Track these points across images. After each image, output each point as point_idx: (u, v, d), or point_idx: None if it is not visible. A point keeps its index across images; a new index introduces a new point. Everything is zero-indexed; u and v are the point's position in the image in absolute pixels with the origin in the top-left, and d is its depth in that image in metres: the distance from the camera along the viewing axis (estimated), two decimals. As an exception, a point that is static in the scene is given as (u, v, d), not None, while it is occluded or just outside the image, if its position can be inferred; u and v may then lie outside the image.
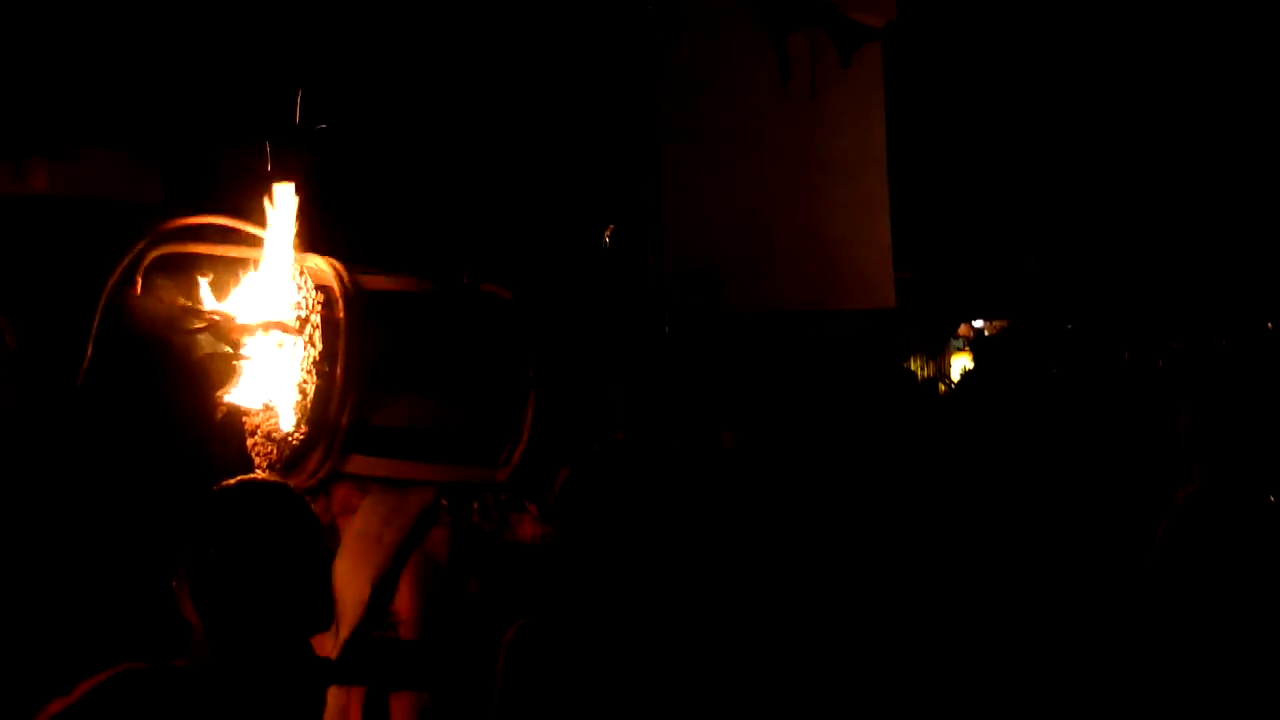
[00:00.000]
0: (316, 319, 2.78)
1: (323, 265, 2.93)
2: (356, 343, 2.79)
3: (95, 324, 2.74)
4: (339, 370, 2.76)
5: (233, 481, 2.19)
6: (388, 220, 6.51)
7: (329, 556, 2.33)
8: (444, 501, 2.93)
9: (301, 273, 2.88)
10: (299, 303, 2.84)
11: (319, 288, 2.84)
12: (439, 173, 7.58)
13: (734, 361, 9.10)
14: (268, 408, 2.85)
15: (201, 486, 2.82)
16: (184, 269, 2.87)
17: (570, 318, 3.36)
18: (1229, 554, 2.95)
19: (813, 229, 10.51)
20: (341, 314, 2.79)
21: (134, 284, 2.76)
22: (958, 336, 14.10)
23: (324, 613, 2.31)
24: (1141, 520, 3.25)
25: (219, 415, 2.83)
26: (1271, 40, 13.60)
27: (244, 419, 2.90)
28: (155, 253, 2.83)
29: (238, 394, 2.80)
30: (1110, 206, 14.99)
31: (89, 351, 2.75)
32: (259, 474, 2.42)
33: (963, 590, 6.52)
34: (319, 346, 2.77)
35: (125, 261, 2.73)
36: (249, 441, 2.93)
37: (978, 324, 14.29)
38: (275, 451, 2.84)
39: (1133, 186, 14.85)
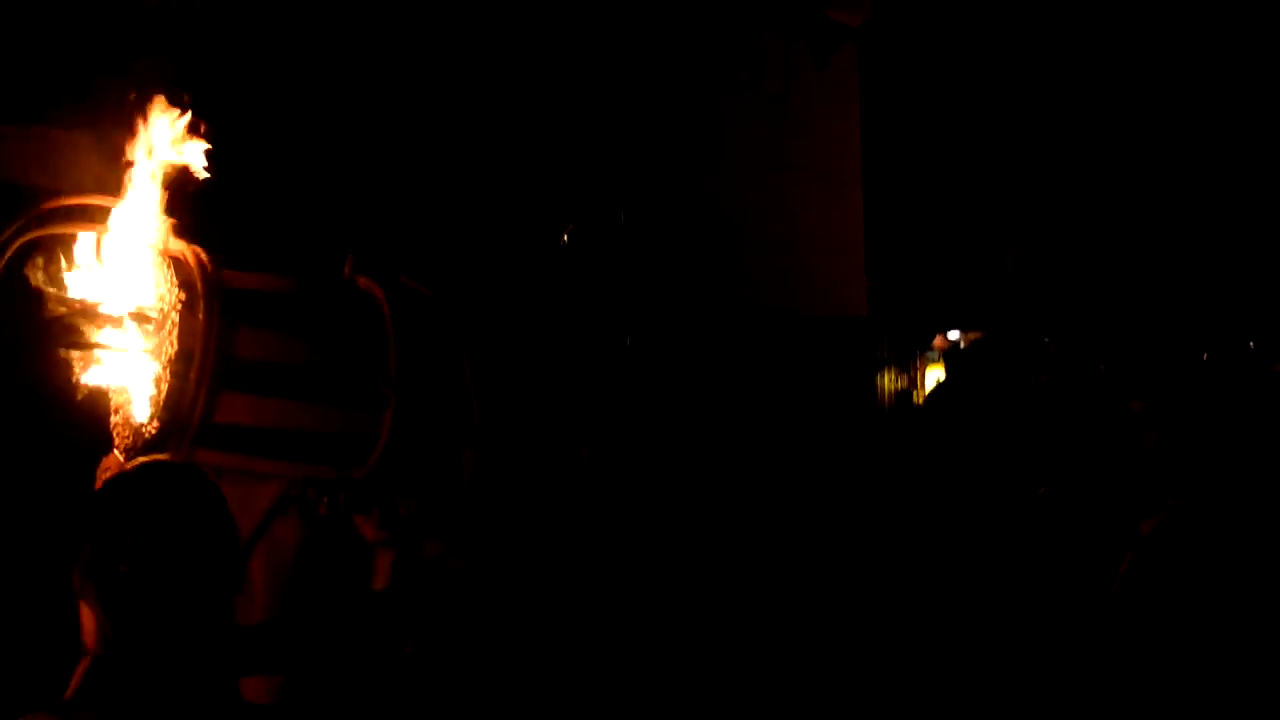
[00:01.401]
0: (176, 317, 2.73)
1: (190, 260, 2.85)
2: (214, 346, 2.74)
3: None
4: (193, 372, 2.72)
5: (131, 466, 2.20)
6: (282, 210, 6.28)
7: (237, 536, 2.16)
8: (292, 494, 2.91)
9: (168, 265, 2.82)
10: (161, 296, 2.80)
11: (182, 284, 2.78)
12: (366, 165, 7.34)
13: (693, 364, 8.85)
14: (126, 393, 2.82)
15: (69, 468, 3.06)
16: (53, 250, 2.80)
17: (462, 320, 3.18)
18: (1194, 589, 2.63)
19: (783, 232, 10.24)
20: (201, 316, 2.74)
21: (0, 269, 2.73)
22: (932, 348, 13.91)
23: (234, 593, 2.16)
24: (1108, 548, 2.97)
25: (80, 397, 2.80)
26: (1257, 50, 13.41)
27: (106, 400, 2.87)
28: (27, 236, 2.77)
29: (99, 376, 2.78)
30: (1090, 216, 14.81)
31: None
32: (154, 456, 2.40)
33: (920, 604, 6.38)
34: (175, 346, 2.72)
35: None
36: (111, 421, 2.89)
37: (953, 335, 14.11)
38: (131, 437, 2.80)
39: (1113, 197, 14.67)
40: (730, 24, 10.05)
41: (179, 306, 2.73)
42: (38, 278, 2.76)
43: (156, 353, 2.75)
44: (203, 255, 2.85)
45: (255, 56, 7.06)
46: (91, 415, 2.88)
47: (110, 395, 2.85)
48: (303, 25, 7.25)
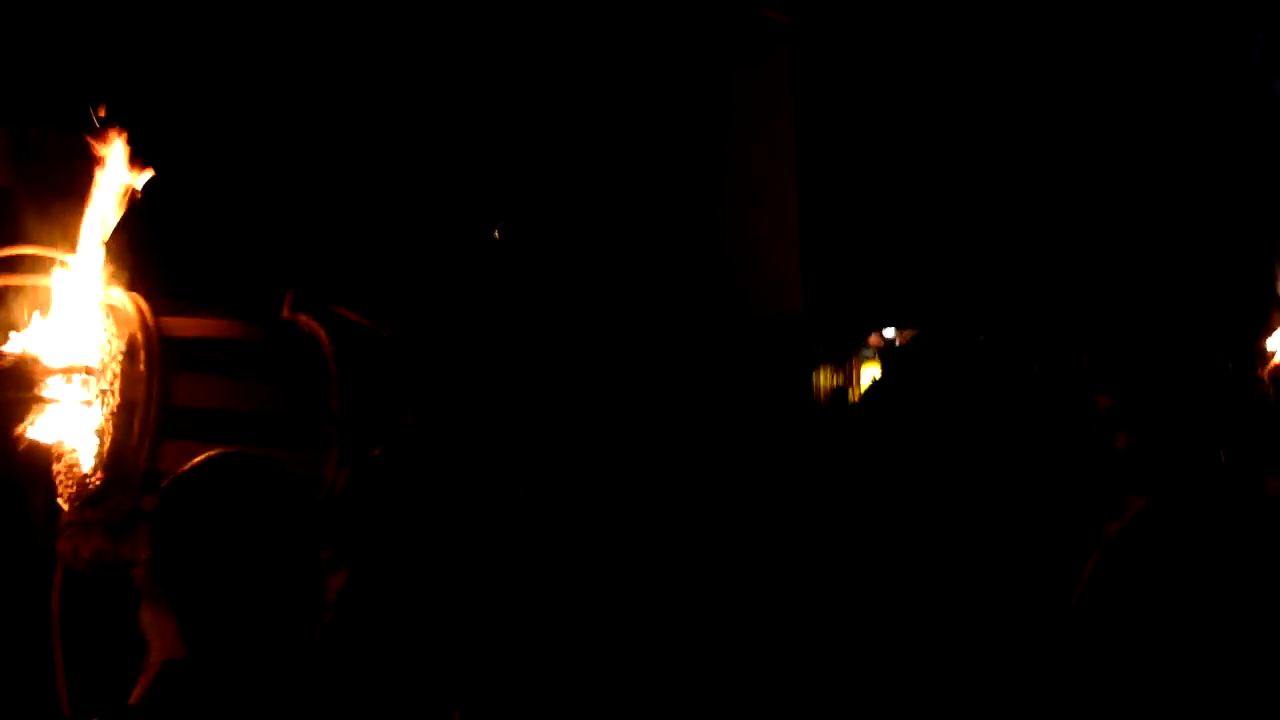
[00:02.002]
0: (117, 368, 2.73)
1: (129, 309, 2.84)
2: (155, 396, 2.73)
3: None
4: (136, 423, 2.70)
5: (200, 459, 2.03)
6: (212, 237, 6.19)
7: (315, 537, 2.10)
8: None
9: (107, 315, 2.82)
10: (102, 347, 2.79)
11: (122, 335, 2.79)
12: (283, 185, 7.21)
13: (625, 364, 8.78)
14: (67, 445, 2.83)
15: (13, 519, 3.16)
16: None
17: (401, 349, 3.22)
18: (1164, 596, 2.56)
19: (717, 230, 10.18)
20: (142, 366, 2.72)
21: None
22: (867, 345, 13.92)
23: (318, 599, 2.09)
24: (1064, 552, 2.89)
25: (20, 447, 2.79)
26: (1203, 43, 13.54)
27: (49, 450, 2.86)
28: None
29: (39, 429, 2.78)
30: (1027, 211, 14.88)
31: None
32: (218, 450, 2.18)
33: (859, 602, 6.37)
34: (117, 399, 2.71)
35: None
36: (54, 468, 2.88)
37: (888, 333, 14.13)
38: (75, 487, 2.80)
39: (1052, 189, 14.75)
40: (663, 20, 9.96)
41: (119, 357, 2.72)
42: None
43: (100, 404, 2.74)
44: (142, 304, 2.83)
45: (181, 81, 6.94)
46: (32, 465, 2.87)
47: (52, 445, 2.83)
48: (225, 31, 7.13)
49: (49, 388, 2.74)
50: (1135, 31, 13.67)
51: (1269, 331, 10.31)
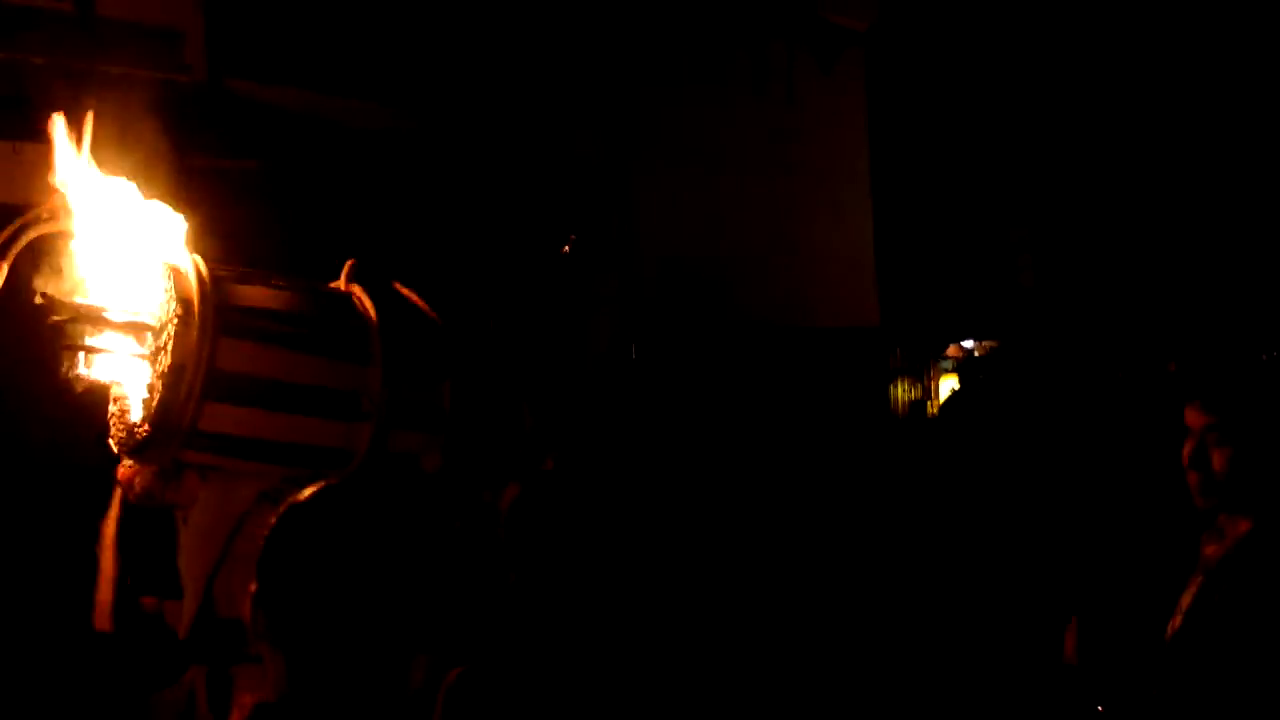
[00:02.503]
0: (172, 329, 2.80)
1: (189, 272, 2.88)
2: (205, 362, 2.79)
3: None
4: (184, 385, 2.77)
5: (306, 494, 1.97)
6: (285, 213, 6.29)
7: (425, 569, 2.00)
8: (269, 490, 2.95)
9: (168, 275, 2.87)
10: (162, 306, 2.86)
11: (180, 300, 2.83)
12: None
13: (701, 379, 8.66)
14: (121, 392, 2.93)
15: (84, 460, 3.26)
16: (58, 252, 2.90)
17: (453, 335, 3.20)
18: (1275, 626, 2.34)
19: (792, 242, 10.03)
20: (195, 333, 2.78)
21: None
22: (946, 357, 13.69)
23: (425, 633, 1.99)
24: (1156, 576, 2.69)
25: (79, 390, 2.89)
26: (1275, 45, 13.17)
27: (106, 393, 2.96)
28: (25, 239, 2.84)
29: (98, 373, 2.87)
30: (1108, 220, 14.57)
31: None
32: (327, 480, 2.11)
33: (937, 615, 6.26)
34: (169, 359, 2.78)
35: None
36: (109, 412, 2.99)
37: (967, 344, 13.89)
38: (125, 434, 2.90)
39: (1133, 200, 14.43)
40: (733, 30, 9.85)
41: (175, 321, 2.80)
42: (41, 279, 2.83)
43: (152, 360, 2.83)
44: (202, 268, 2.89)
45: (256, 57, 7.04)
46: (91, 407, 2.98)
47: (110, 389, 2.94)
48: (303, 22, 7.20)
49: (108, 340, 2.83)
50: (1228, 44, 13.35)
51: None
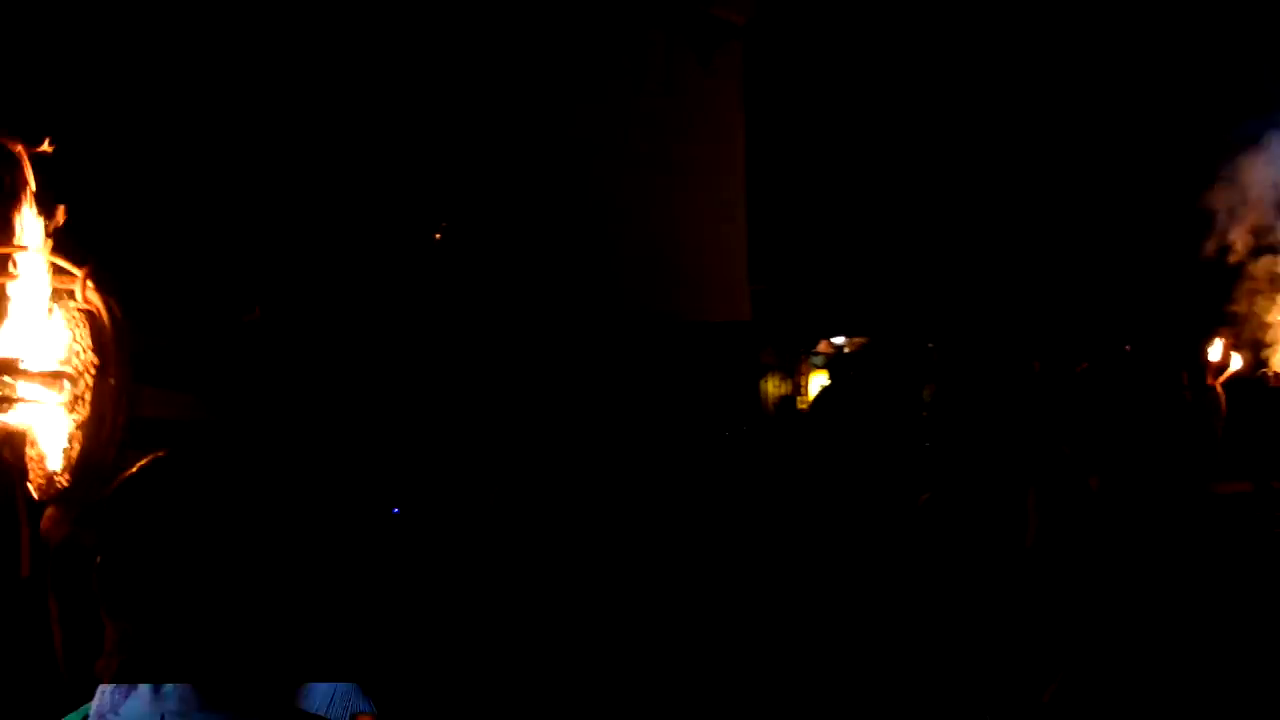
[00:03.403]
0: (89, 380, 2.71)
1: (104, 318, 2.75)
2: (124, 410, 2.72)
3: None
4: (104, 434, 2.68)
5: (145, 461, 1.96)
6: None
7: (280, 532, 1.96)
8: None
9: (79, 324, 2.75)
10: (77, 354, 2.74)
11: (96, 349, 2.73)
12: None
13: (572, 371, 8.59)
14: (34, 442, 2.79)
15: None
16: None
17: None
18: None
19: (666, 236, 9.96)
20: (113, 382, 2.70)
21: None
22: (816, 353, 13.82)
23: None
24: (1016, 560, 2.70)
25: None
26: (1138, 58, 13.52)
27: (20, 442, 2.81)
28: None
29: (13, 419, 2.73)
30: (978, 219, 14.82)
31: None
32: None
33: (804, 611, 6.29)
34: (88, 410, 2.70)
35: None
36: (28, 455, 2.82)
37: (837, 340, 14.04)
38: (45, 481, 2.77)
39: (1004, 199, 14.70)
40: (610, 21, 9.76)
41: (93, 370, 2.72)
42: None
43: (69, 409, 2.74)
44: (116, 311, 2.76)
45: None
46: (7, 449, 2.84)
47: (28, 433, 2.81)
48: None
49: (23, 389, 2.71)
50: (1091, 43, 13.65)
51: (1211, 342, 10.28)
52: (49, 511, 2.89)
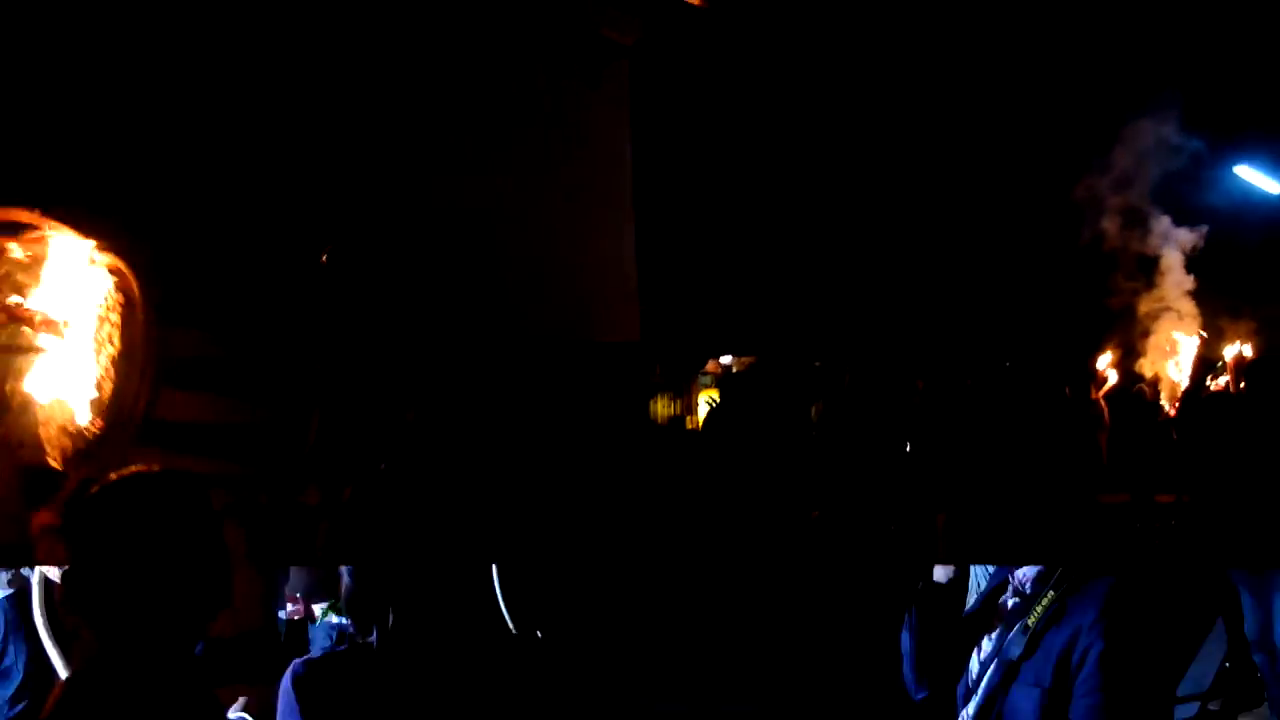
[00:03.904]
0: (115, 317, 2.87)
1: (124, 267, 2.99)
2: (154, 343, 2.93)
3: None
4: (135, 368, 2.88)
5: (114, 476, 2.10)
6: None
7: (222, 544, 2.16)
8: (232, 503, 3.10)
9: (100, 268, 2.94)
10: (97, 302, 2.89)
11: (120, 289, 2.93)
12: None
13: (455, 393, 8.49)
14: (59, 401, 2.89)
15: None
16: None
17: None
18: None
19: (552, 255, 9.92)
20: (140, 315, 2.91)
21: None
22: (705, 372, 13.86)
23: (220, 600, 2.15)
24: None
25: (15, 407, 2.86)
26: (1015, 83, 13.82)
27: (39, 411, 2.91)
28: None
29: (33, 383, 2.83)
30: (865, 240, 15.02)
31: None
32: (141, 466, 2.22)
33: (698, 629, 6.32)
34: (117, 345, 2.86)
35: None
36: (42, 433, 2.92)
37: (725, 360, 14.09)
38: (70, 444, 2.89)
39: (888, 219, 14.92)
40: (496, 38, 9.70)
41: (118, 308, 2.87)
42: None
43: (95, 354, 2.84)
44: (132, 259, 2.97)
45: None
46: (23, 425, 2.91)
47: (36, 407, 2.87)
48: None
49: (45, 341, 2.81)
50: (971, 64, 13.92)
51: (1094, 357, 10.54)
52: (44, 534, 2.95)
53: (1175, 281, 11.75)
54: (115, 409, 2.82)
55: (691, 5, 10.52)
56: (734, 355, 14.10)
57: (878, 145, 14.48)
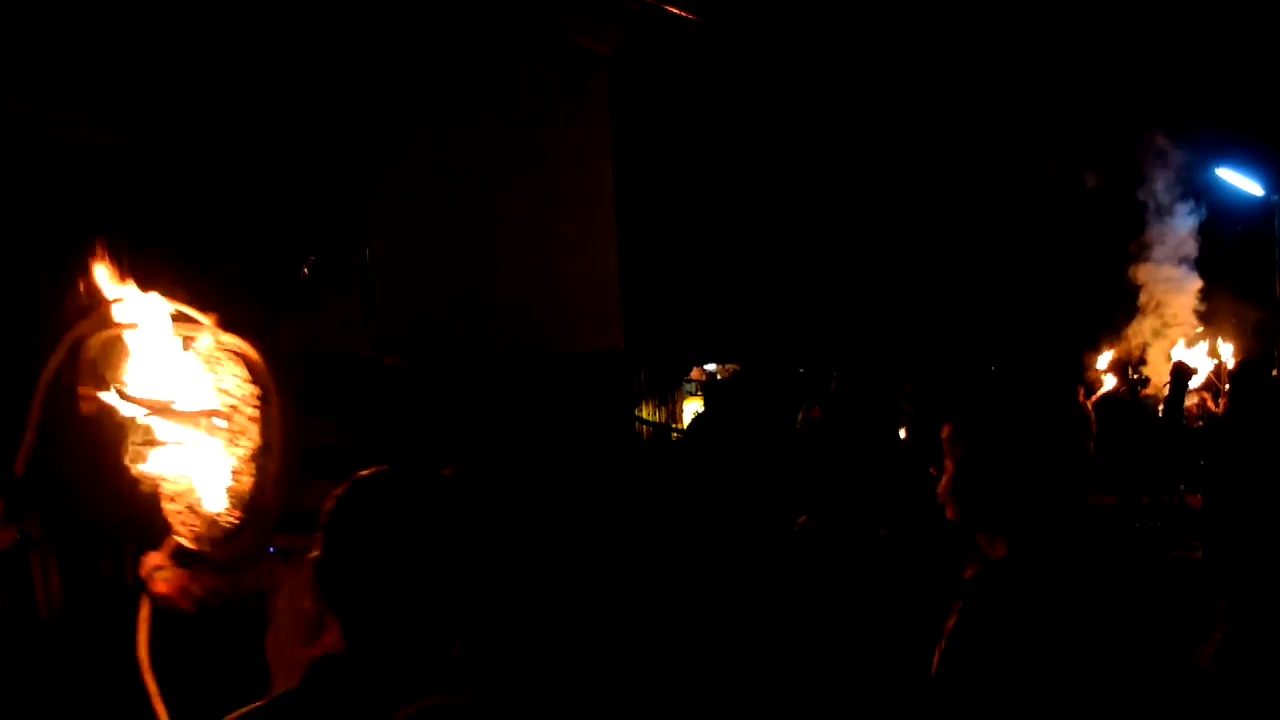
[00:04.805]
0: (252, 410, 2.88)
1: (254, 355, 2.97)
2: (291, 437, 2.91)
3: (34, 415, 2.86)
4: (274, 464, 2.87)
5: (370, 471, 2.22)
6: None
7: (477, 545, 2.26)
8: None
9: (221, 363, 2.93)
10: (229, 390, 2.91)
11: (255, 379, 2.92)
12: None
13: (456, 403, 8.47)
14: (189, 483, 2.93)
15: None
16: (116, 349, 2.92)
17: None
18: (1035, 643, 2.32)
19: (537, 265, 9.88)
20: (275, 409, 2.89)
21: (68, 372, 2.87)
22: (689, 380, 13.86)
23: (475, 605, 2.22)
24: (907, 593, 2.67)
25: (137, 488, 2.92)
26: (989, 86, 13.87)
27: (158, 487, 2.96)
28: (91, 335, 2.87)
29: (157, 467, 2.90)
30: (849, 244, 15.04)
31: (27, 441, 2.88)
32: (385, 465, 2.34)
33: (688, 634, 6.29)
34: (255, 441, 2.87)
35: (60, 353, 2.85)
36: (167, 509, 2.98)
37: (709, 367, 14.10)
38: (202, 526, 2.93)
39: (874, 223, 14.94)
40: (476, 48, 9.67)
41: (254, 401, 2.88)
42: (104, 376, 2.87)
43: (230, 444, 2.86)
44: (260, 347, 2.97)
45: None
46: (143, 505, 2.99)
47: (161, 485, 2.95)
48: None
49: (180, 432, 2.85)
50: (953, 75, 13.97)
51: (1084, 360, 10.54)
52: (163, 573, 3.16)
53: (1162, 283, 11.79)
54: (254, 502, 2.84)
55: (673, 15, 10.51)
56: (718, 363, 14.10)
57: (864, 152, 14.51)
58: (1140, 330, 11.55)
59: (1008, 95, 13.84)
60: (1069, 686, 2.30)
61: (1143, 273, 11.86)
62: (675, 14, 10.49)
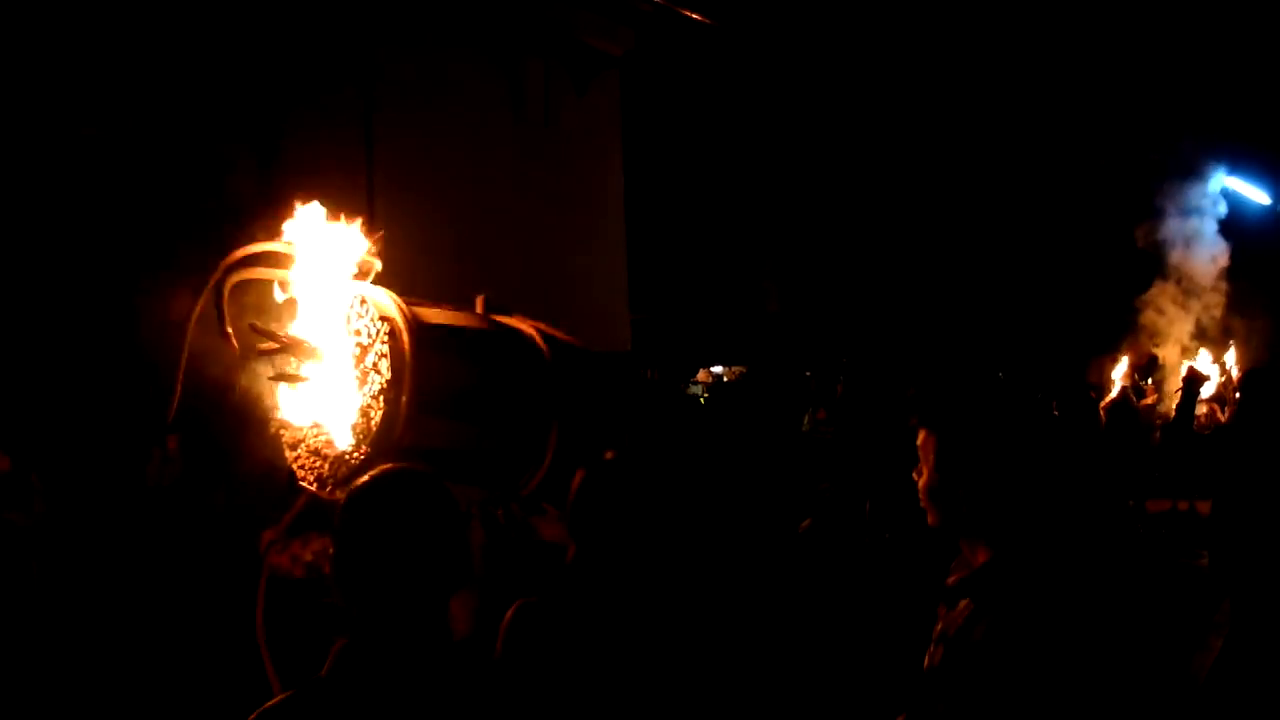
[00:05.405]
0: (383, 348, 3.01)
1: (384, 297, 3.16)
2: (419, 373, 3.03)
3: (183, 359, 3.00)
4: (403, 398, 2.99)
5: (373, 474, 2.35)
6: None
7: (465, 536, 2.46)
8: (474, 511, 3.32)
9: (364, 302, 3.09)
10: (359, 330, 3.07)
11: (385, 318, 3.07)
12: None
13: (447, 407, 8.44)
14: (316, 426, 3.06)
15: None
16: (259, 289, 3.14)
17: (579, 352, 3.85)
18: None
19: (544, 265, 9.87)
20: (406, 345, 3.02)
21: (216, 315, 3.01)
22: (696, 382, 13.86)
23: (459, 582, 2.39)
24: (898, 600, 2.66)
25: (271, 430, 3.10)
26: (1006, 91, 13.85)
27: (286, 433, 3.14)
28: (230, 280, 3.05)
29: (289, 412, 3.05)
30: (858, 248, 15.02)
31: (178, 389, 3.00)
32: (391, 464, 2.49)
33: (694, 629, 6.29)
34: (385, 375, 3.00)
35: (205, 295, 3.00)
36: (289, 455, 3.14)
37: (716, 369, 14.10)
38: (326, 467, 3.06)
39: (882, 227, 14.93)
40: (488, 49, 9.68)
41: (384, 339, 3.00)
42: (247, 314, 3.03)
43: (361, 383, 3.01)
44: (392, 293, 3.13)
45: None
46: (274, 448, 3.16)
47: (285, 431, 3.11)
48: None
49: (310, 369, 2.98)
50: (959, 81, 13.95)
51: (1102, 365, 10.49)
52: (277, 543, 3.28)
53: (1172, 292, 11.77)
54: (382, 437, 2.95)
55: (685, 18, 10.49)
56: (724, 365, 14.10)
57: (874, 156, 14.50)
58: (1149, 339, 11.54)
59: (1019, 103, 13.81)
60: (1055, 694, 2.29)
61: (1153, 282, 11.85)
62: (687, 16, 10.47)
